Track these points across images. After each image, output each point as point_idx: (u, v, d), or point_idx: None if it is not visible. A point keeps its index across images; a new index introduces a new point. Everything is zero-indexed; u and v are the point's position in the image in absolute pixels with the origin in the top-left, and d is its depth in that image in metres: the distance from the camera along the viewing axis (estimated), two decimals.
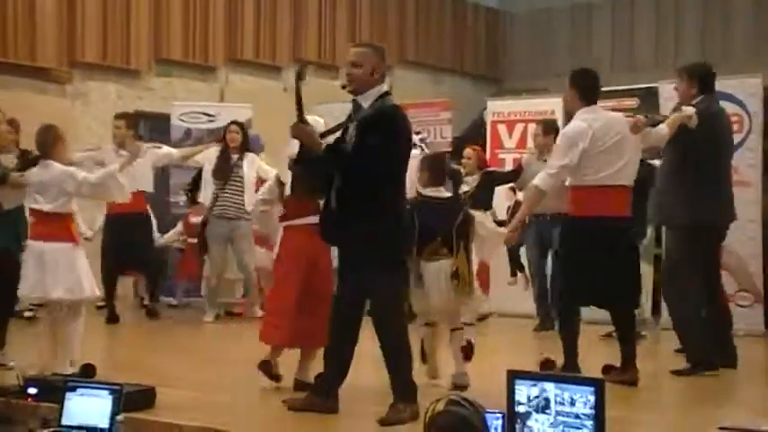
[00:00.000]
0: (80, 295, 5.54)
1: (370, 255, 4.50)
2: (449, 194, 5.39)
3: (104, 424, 4.21)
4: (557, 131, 8.04)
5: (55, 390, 4.55)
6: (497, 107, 10.01)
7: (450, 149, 10.21)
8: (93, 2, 10.30)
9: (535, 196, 5.54)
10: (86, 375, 5.22)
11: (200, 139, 10.00)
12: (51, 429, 4.28)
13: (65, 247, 5.55)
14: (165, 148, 8.84)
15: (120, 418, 4.24)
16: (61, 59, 10.12)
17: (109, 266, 8.42)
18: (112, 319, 8.35)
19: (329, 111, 10.61)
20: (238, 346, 7.15)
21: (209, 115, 10.33)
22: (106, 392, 4.30)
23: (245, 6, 11.88)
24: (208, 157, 8.78)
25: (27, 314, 8.07)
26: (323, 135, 4.72)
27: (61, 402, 4.33)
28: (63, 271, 5.48)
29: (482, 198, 8.51)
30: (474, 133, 11.22)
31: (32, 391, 4.73)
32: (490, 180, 8.55)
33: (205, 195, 8.79)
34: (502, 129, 9.78)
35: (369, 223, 4.49)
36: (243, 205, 8.38)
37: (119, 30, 10.58)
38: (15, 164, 7.68)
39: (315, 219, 4.88)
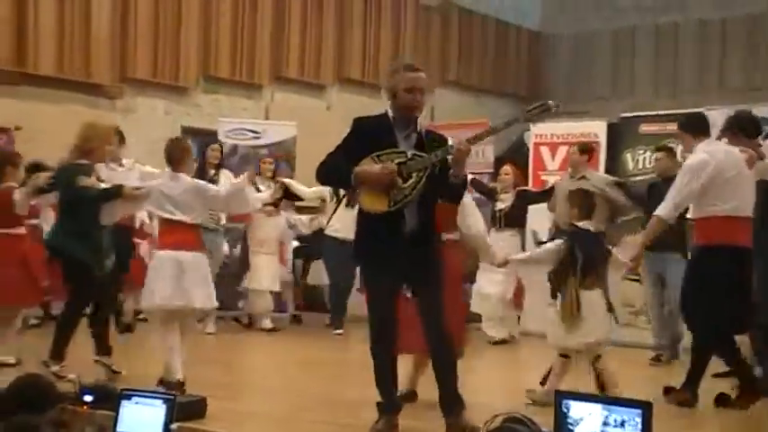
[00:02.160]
0: (212, 305, 5.70)
1: (440, 271, 4.63)
2: (593, 228, 5.61)
3: None
4: (591, 152, 8.29)
5: (110, 397, 4.68)
6: (540, 129, 10.07)
7: (491, 170, 10.33)
8: (144, 20, 10.54)
9: (657, 225, 5.65)
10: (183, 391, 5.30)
11: (245, 156, 10.19)
12: None
13: (200, 257, 5.63)
14: (149, 168, 8.91)
15: (173, 427, 4.34)
16: (113, 76, 10.35)
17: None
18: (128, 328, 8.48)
19: None
20: (275, 356, 7.27)
21: (254, 132, 10.52)
22: (160, 402, 4.40)
23: (292, 26, 12.08)
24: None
25: (33, 321, 8.31)
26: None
27: (116, 410, 4.42)
28: (201, 280, 5.57)
29: (516, 216, 8.77)
30: (514, 154, 11.30)
31: (88, 398, 4.85)
32: (524, 199, 8.80)
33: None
34: (545, 151, 9.84)
35: (438, 243, 4.71)
36: (218, 217, 8.58)
37: (169, 47, 10.81)
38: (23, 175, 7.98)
39: None
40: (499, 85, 14.89)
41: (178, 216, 5.57)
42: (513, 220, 8.79)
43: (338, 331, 9.05)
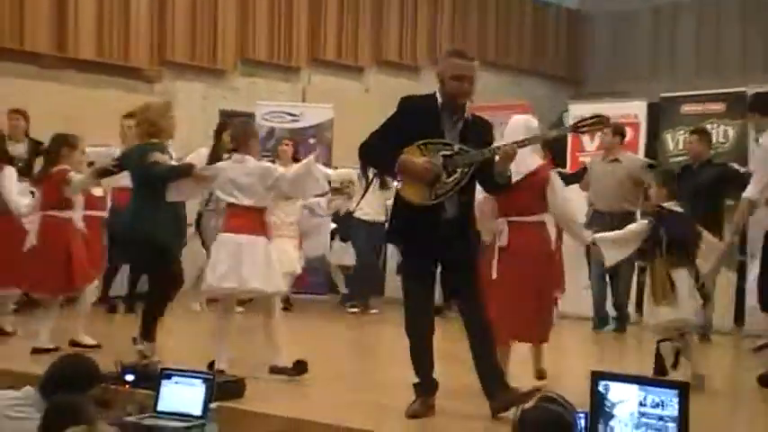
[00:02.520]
0: (275, 288, 5.59)
1: (476, 258, 4.70)
2: (681, 209, 5.58)
3: (197, 411, 4.37)
4: (623, 134, 8.26)
5: (150, 377, 4.76)
6: (579, 110, 9.95)
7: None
8: (182, 3, 10.60)
9: (747, 207, 5.69)
10: (302, 371, 5.40)
11: (281, 139, 10.22)
12: (147, 414, 4.45)
13: (261, 241, 5.52)
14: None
15: (212, 406, 4.40)
16: (152, 59, 10.43)
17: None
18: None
19: None
20: (309, 337, 7.29)
21: (292, 115, 10.55)
22: (199, 381, 4.46)
23: (329, 7, 12.07)
24: (199, 157, 8.97)
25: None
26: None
27: (157, 389, 4.51)
28: (260, 264, 5.46)
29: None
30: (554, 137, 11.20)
31: (129, 377, 4.93)
32: None
33: None
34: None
35: (474, 229, 4.75)
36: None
37: (206, 30, 10.86)
38: (26, 153, 8.07)
39: None
40: (537, 65, 14.76)
41: (239, 200, 5.50)
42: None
43: (353, 310, 9.21)
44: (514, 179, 4.82)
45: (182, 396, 4.45)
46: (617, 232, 5.77)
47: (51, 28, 9.55)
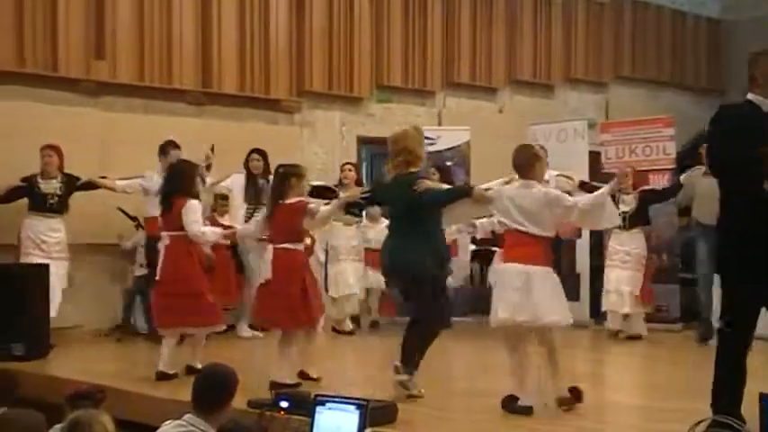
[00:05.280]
0: (567, 321, 5.27)
1: None
2: None
3: None
4: None
5: (305, 403, 4.85)
6: None
7: (672, 166, 9.99)
8: (318, 34, 10.83)
9: None
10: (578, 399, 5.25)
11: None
12: None
13: (548, 272, 5.26)
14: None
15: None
16: (291, 91, 10.70)
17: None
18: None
19: (542, 132, 10.70)
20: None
21: (429, 138, 10.57)
22: (353, 407, 4.49)
23: (462, 30, 12.11)
24: (235, 182, 9.05)
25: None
26: None
27: (311, 415, 4.57)
28: (552, 296, 5.20)
29: (641, 217, 8.92)
30: (695, 150, 10.85)
31: (284, 404, 5.03)
32: (646, 200, 8.95)
33: (232, 217, 8.96)
34: None
35: None
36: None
37: (343, 59, 11.05)
38: (61, 188, 8.18)
39: None
40: (676, 78, 14.36)
41: (526, 227, 5.25)
42: (638, 220, 8.94)
43: None
44: None
45: (336, 422, 4.48)
46: None
47: (196, 65, 9.93)
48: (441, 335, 5.66)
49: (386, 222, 9.36)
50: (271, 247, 6.23)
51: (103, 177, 8.55)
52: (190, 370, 6.43)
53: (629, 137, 10.23)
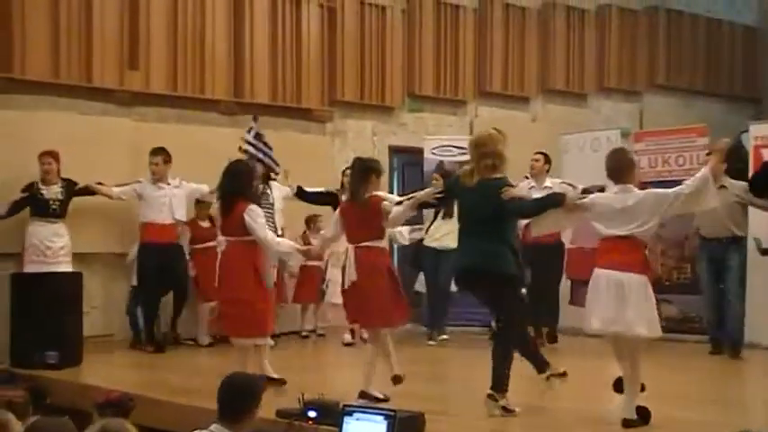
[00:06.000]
0: (657, 333, 5.14)
1: None
2: None
3: None
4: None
5: (332, 413, 4.84)
6: (760, 130, 9.51)
7: None
8: (350, 45, 10.86)
9: None
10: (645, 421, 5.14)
11: (451, 172, 10.25)
12: None
13: (643, 281, 5.13)
14: (195, 185, 8.90)
15: None
16: (323, 100, 10.73)
17: (150, 293, 8.74)
18: (159, 348, 8.58)
19: (575, 141, 10.62)
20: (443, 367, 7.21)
21: (460, 148, 10.56)
22: (381, 417, 4.48)
23: (494, 40, 12.08)
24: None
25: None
26: None
27: (339, 426, 4.55)
28: (644, 305, 5.09)
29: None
30: (731, 158, 10.71)
31: (312, 414, 5.04)
32: None
33: None
34: (766, 153, 9.28)
35: None
36: (276, 228, 8.54)
37: (375, 69, 11.07)
38: (62, 193, 8.28)
39: None
40: (711, 86, 14.20)
41: (627, 232, 5.12)
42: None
43: (443, 337, 9.42)
44: None
45: None
46: None
47: (229, 75, 10.00)
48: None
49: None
50: (351, 247, 6.04)
51: (100, 184, 8.65)
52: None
53: (663, 146, 10.13)
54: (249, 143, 8.76)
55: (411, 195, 6.07)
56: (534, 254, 8.74)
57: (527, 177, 9.09)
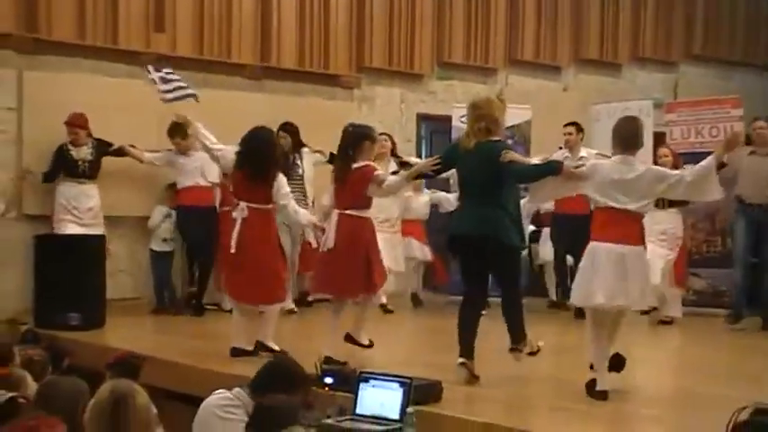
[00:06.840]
0: (653, 303, 5.26)
1: None
2: None
3: (395, 415, 4.34)
4: None
5: (349, 380, 4.79)
6: None
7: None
8: (380, 9, 10.70)
9: None
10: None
11: None
12: (347, 417, 4.46)
13: (641, 252, 5.06)
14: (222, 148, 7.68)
15: (409, 410, 4.35)
16: (350, 66, 10.60)
17: (194, 256, 8.78)
18: (199, 311, 8.55)
19: (607, 111, 10.42)
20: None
21: None
22: (397, 385, 4.43)
23: (527, 8, 11.86)
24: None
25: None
26: None
27: (355, 392, 4.52)
28: (640, 277, 5.03)
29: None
30: None
31: (329, 380, 4.99)
32: None
33: None
34: None
35: None
36: (305, 198, 8.57)
37: (404, 36, 10.91)
38: (92, 153, 8.27)
39: None
40: (750, 56, 13.88)
41: (624, 204, 4.99)
42: (677, 201, 8.47)
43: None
44: None
45: (380, 399, 4.44)
46: None
47: (255, 40, 9.89)
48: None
49: (427, 193, 9.39)
50: (336, 212, 5.97)
51: (132, 147, 8.62)
52: (261, 347, 6.09)
53: (696, 117, 9.91)
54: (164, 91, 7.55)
55: (406, 161, 5.98)
56: (566, 224, 8.64)
57: (560, 148, 8.93)
